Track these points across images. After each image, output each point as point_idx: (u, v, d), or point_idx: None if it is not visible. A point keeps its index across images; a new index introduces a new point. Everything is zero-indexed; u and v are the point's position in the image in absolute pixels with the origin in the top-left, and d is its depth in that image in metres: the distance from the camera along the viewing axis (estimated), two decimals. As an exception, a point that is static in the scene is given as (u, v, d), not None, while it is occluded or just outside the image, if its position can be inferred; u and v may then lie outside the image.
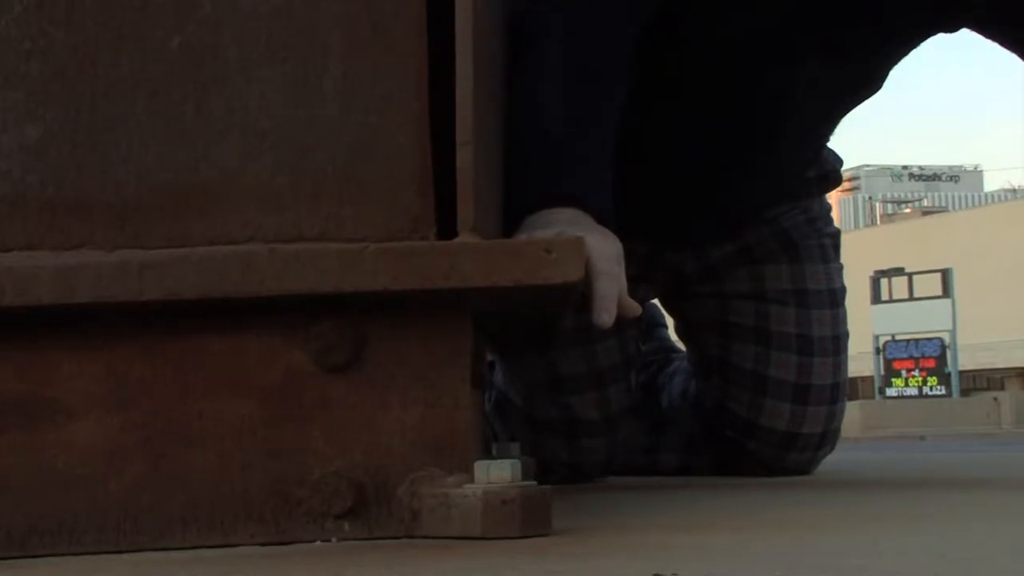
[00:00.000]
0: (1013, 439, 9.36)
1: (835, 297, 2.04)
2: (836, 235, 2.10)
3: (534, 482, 1.05)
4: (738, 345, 2.00)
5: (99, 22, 1.12)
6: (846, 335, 2.06)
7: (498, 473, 1.02)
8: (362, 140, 1.11)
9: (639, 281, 1.94)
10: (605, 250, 1.23)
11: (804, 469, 2.02)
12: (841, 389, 2.03)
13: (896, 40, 1.76)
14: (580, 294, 1.18)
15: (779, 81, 1.71)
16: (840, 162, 2.12)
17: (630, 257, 1.81)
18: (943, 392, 19.02)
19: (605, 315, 1.20)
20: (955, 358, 19.41)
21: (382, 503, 1.07)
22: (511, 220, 1.29)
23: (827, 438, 2.02)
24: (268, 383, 1.09)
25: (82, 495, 1.08)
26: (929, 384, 19.47)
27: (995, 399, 18.05)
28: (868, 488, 1.74)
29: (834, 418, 2.02)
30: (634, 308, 1.24)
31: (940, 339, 19.67)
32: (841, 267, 2.10)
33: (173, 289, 1.06)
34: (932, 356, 19.64)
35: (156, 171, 1.11)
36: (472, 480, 1.04)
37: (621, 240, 1.29)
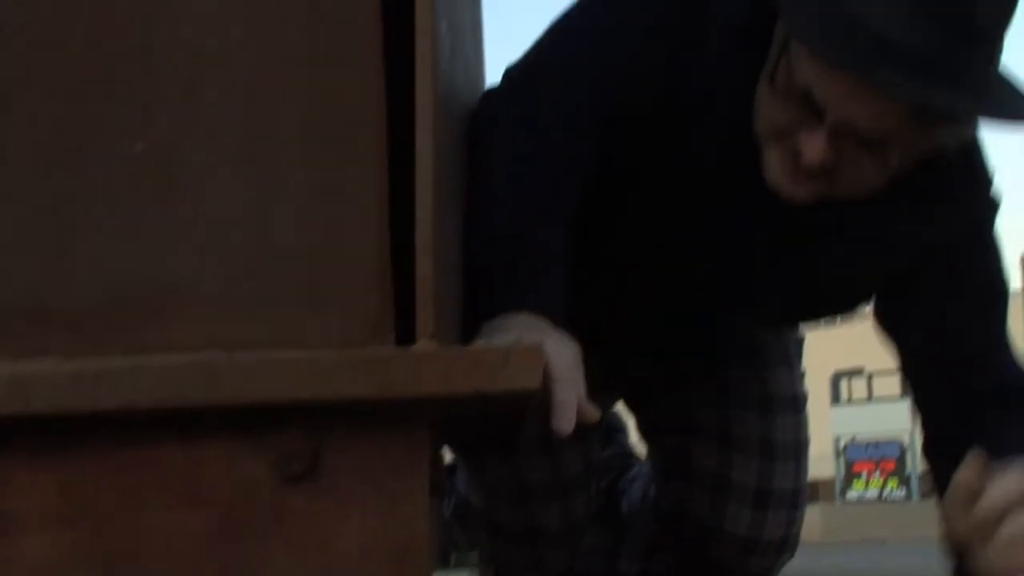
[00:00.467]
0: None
1: (798, 403, 2.04)
2: (802, 341, 2.10)
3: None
4: (701, 447, 1.99)
5: (61, 129, 1.12)
6: (807, 441, 2.06)
7: (458, 584, 1.01)
8: (322, 246, 1.11)
9: (603, 389, 1.94)
10: (563, 355, 1.22)
11: (765, 575, 2.01)
12: (802, 495, 2.03)
13: (830, 287, 1.72)
14: (539, 401, 1.17)
15: (713, 276, 1.69)
16: None
17: (593, 366, 1.79)
18: (904, 494, 19.00)
19: (564, 422, 1.19)
20: (915, 460, 19.42)
21: (340, 615, 1.05)
22: (469, 324, 1.29)
23: (788, 543, 2.01)
24: (225, 495, 1.07)
25: (33, 609, 1.05)
26: (890, 486, 19.46)
27: (955, 501, 17.94)
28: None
29: (794, 523, 2.01)
30: (593, 414, 1.23)
31: (900, 441, 19.69)
32: (803, 373, 2.10)
33: (130, 398, 1.05)
34: (892, 458, 19.64)
35: (116, 278, 1.10)
36: (431, 591, 1.02)
37: (584, 352, 1.28)
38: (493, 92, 1.55)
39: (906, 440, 19.56)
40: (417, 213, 1.11)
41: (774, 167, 1.46)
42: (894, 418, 19.47)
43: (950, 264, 1.61)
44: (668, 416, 2.04)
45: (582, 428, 1.23)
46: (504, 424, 1.47)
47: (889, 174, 1.44)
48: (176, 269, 1.10)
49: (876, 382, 19.47)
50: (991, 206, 1.62)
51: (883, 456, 20.00)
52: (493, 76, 1.88)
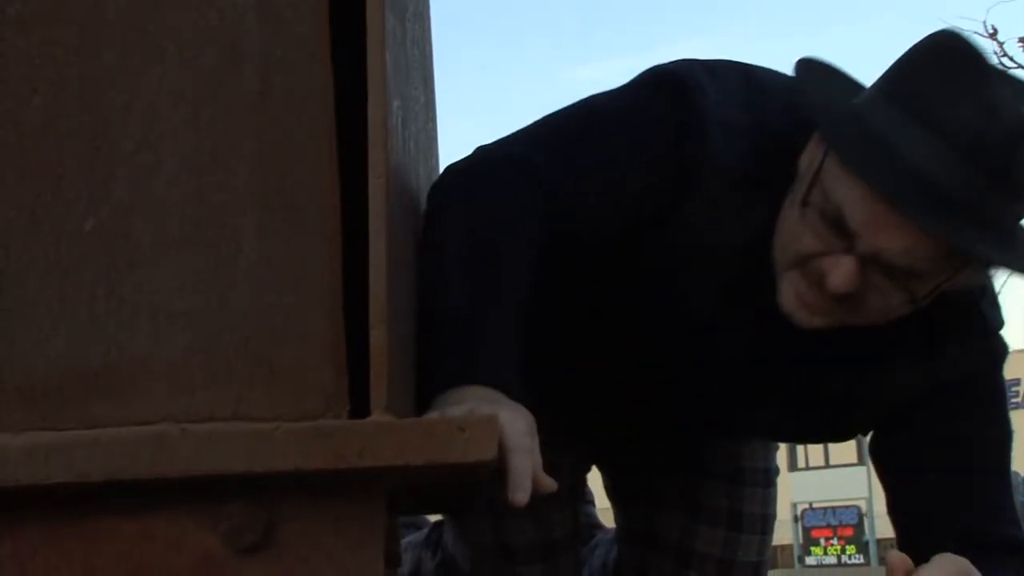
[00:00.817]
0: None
1: (769, 477, 2.01)
2: None
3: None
4: (666, 515, 1.97)
5: (13, 204, 1.13)
6: (774, 516, 2.04)
7: (412, 656, 1.01)
8: (275, 321, 1.11)
9: (568, 448, 1.90)
10: (518, 426, 1.22)
11: None
12: (764, 568, 2.01)
13: (822, 418, 1.70)
14: (494, 471, 1.18)
15: (694, 394, 1.69)
16: None
17: (558, 431, 1.77)
18: (861, 561, 18.98)
19: (520, 492, 1.19)
20: (872, 526, 19.43)
21: None
22: (423, 396, 1.29)
23: None
24: (178, 568, 1.07)
25: None
26: (848, 552, 19.45)
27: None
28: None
29: None
30: (549, 484, 1.23)
31: (857, 507, 19.71)
32: (777, 447, 2.06)
33: (82, 472, 1.05)
34: (850, 524, 19.65)
35: (67, 354, 1.10)
36: (385, 664, 1.02)
37: (551, 419, 1.27)
38: (458, 168, 1.52)
39: (863, 506, 19.58)
40: (371, 286, 1.11)
41: (790, 294, 1.46)
42: (851, 484, 19.51)
43: (952, 404, 1.59)
44: (634, 483, 2.02)
45: (538, 498, 1.22)
46: (461, 494, 1.47)
47: (912, 308, 1.44)
48: (127, 346, 1.10)
49: (833, 448, 19.51)
50: (999, 352, 1.62)
51: (841, 522, 20.01)
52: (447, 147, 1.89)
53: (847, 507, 19.78)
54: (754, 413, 1.69)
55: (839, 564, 19.16)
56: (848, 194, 1.37)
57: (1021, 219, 1.40)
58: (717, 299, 1.56)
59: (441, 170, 1.56)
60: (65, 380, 1.10)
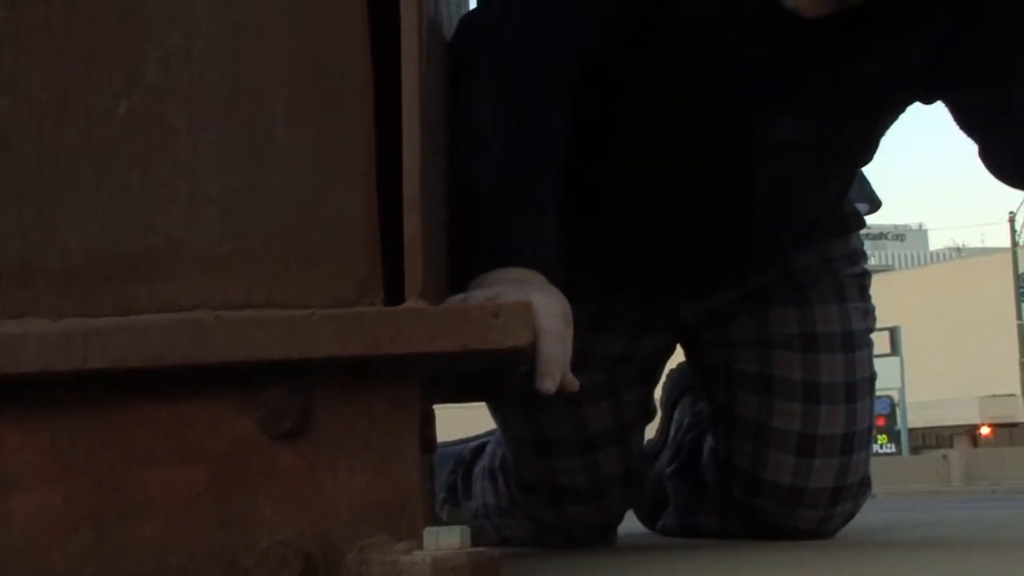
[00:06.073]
0: (962, 497, 9.39)
1: (851, 340, 1.92)
2: (862, 275, 1.98)
3: (484, 548, 1.04)
4: (741, 394, 1.91)
5: (44, 88, 1.12)
6: (867, 380, 1.94)
7: (447, 540, 1.01)
8: (309, 205, 1.11)
9: (640, 334, 1.90)
10: (552, 309, 1.21)
11: (821, 530, 1.90)
12: (858, 439, 1.91)
13: (872, 108, 1.70)
14: (529, 357, 1.17)
15: (748, 137, 1.65)
16: (875, 203, 2.02)
17: (624, 311, 1.73)
18: (893, 450, 19.09)
19: (549, 380, 1.17)
20: (904, 416, 19.50)
21: (331, 572, 1.06)
22: (458, 280, 1.29)
23: (842, 494, 1.89)
24: (215, 451, 1.08)
25: (25, 568, 1.06)
26: (879, 442, 19.54)
27: (944, 457, 18.12)
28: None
29: (848, 472, 1.89)
30: (571, 382, 1.21)
31: (889, 397, 19.77)
32: (867, 308, 1.98)
33: (119, 358, 1.05)
34: (882, 414, 19.73)
35: (102, 237, 1.10)
36: (421, 547, 1.03)
37: (606, 294, 1.25)
38: (470, 24, 1.49)
39: (896, 396, 19.64)
40: (404, 171, 1.10)
41: None
42: (884, 374, 19.52)
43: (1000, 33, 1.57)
44: (712, 364, 1.96)
45: (565, 392, 1.21)
46: (495, 381, 1.47)
47: None
48: (163, 228, 1.10)
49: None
50: None
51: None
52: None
53: (880, 397, 19.81)
54: (767, 129, 1.65)
55: (871, 454, 19.24)
56: None
57: None
58: (739, 30, 1.55)
59: None
60: (100, 264, 1.10)
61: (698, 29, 1.55)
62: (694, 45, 1.56)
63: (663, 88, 1.61)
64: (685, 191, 1.69)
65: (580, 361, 1.26)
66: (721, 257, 1.80)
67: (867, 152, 1.80)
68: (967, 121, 1.66)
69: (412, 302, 1.08)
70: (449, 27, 1.48)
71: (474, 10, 1.52)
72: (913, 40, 1.58)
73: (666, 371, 2.15)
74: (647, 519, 2.22)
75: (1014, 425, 30.26)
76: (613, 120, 1.64)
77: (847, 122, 1.67)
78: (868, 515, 2.19)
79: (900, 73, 1.62)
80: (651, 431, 2.14)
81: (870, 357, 1.97)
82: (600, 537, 1.96)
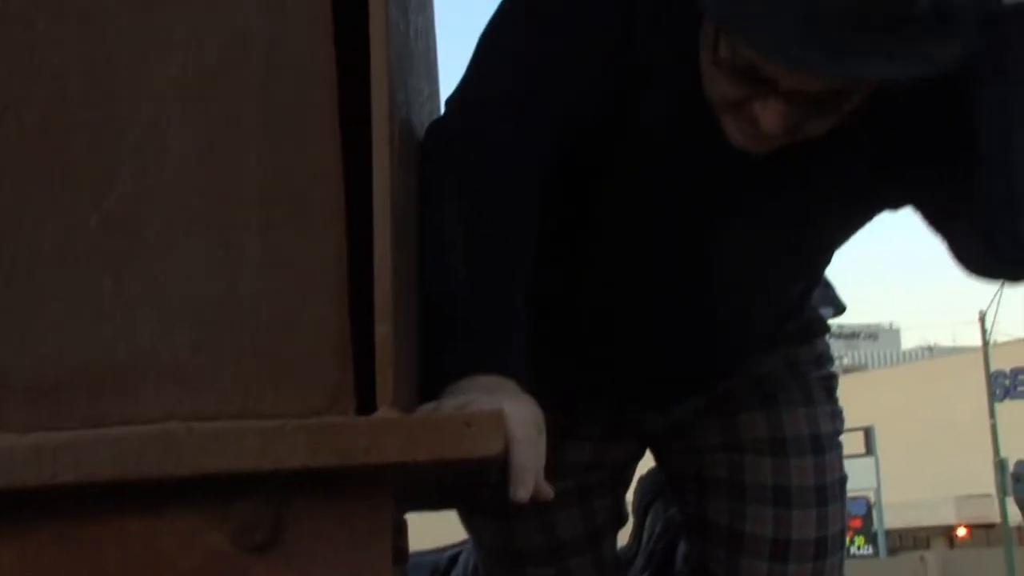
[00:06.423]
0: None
1: (819, 443, 1.90)
2: (828, 378, 1.97)
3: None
4: (712, 501, 1.89)
5: (19, 196, 1.12)
6: (837, 483, 1.93)
7: (422, 653, 1.00)
8: (281, 316, 1.11)
9: (608, 441, 1.89)
10: (523, 416, 1.20)
11: None
12: (831, 542, 1.89)
13: (828, 215, 1.69)
14: (501, 465, 1.17)
15: (699, 243, 1.65)
16: (839, 308, 2.02)
17: (597, 415, 1.72)
18: (871, 552, 18.99)
19: (522, 489, 1.16)
20: (880, 517, 19.44)
21: None
22: (429, 385, 1.28)
23: None
24: (186, 566, 1.06)
25: None
26: (857, 544, 19.45)
27: (921, 558, 18.06)
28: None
29: (822, 574, 1.87)
30: (546, 491, 1.20)
31: (865, 498, 19.71)
32: (835, 410, 1.97)
33: (89, 472, 1.04)
34: (858, 515, 19.65)
35: (73, 349, 1.09)
36: (395, 661, 1.02)
37: (573, 406, 1.24)
38: (436, 131, 1.50)
39: (872, 497, 19.59)
40: (375, 282, 1.11)
41: (733, 133, 1.47)
42: (860, 475, 19.53)
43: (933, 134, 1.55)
44: (681, 472, 1.95)
45: (537, 501, 1.20)
46: (468, 489, 1.46)
47: (847, 115, 1.44)
48: (134, 340, 1.10)
49: (842, 439, 19.54)
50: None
51: (849, 513, 19.95)
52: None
53: (856, 498, 19.81)
54: (762, 226, 1.64)
55: (848, 555, 19.15)
56: (751, 51, 1.37)
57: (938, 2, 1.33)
58: (687, 146, 1.55)
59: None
60: (71, 377, 1.09)
61: (651, 137, 1.56)
62: (646, 151, 1.57)
63: (615, 190, 1.61)
64: (643, 293, 1.70)
65: (549, 469, 1.26)
66: (685, 362, 1.80)
67: (825, 257, 1.81)
68: (933, 215, 1.66)
69: (384, 411, 1.08)
70: (421, 125, 1.50)
71: (442, 116, 1.54)
72: (865, 155, 1.60)
73: (637, 475, 2.14)
74: None
75: (990, 526, 30.20)
76: (571, 220, 1.65)
77: (802, 231, 1.68)
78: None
79: (852, 185, 1.63)
80: (624, 536, 2.12)
81: (840, 458, 1.97)
82: None
